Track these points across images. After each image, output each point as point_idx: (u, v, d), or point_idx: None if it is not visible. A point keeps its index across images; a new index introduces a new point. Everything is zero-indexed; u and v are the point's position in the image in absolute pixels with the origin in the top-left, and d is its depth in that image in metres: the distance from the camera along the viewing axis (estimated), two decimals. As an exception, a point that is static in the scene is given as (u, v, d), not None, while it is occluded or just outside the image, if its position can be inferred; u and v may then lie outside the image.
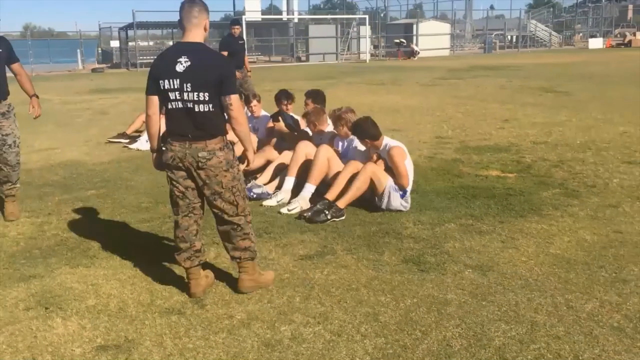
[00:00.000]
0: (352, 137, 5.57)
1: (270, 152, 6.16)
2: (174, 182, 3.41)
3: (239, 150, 3.83)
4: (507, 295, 3.41)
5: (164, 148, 3.40)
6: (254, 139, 6.31)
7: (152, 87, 3.32)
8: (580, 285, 3.52)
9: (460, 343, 2.91)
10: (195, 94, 3.23)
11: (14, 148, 5.05)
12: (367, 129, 5.16)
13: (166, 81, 3.24)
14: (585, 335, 2.95)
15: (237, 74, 9.45)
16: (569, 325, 3.05)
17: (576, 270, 3.73)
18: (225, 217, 3.45)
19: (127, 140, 8.58)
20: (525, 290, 3.47)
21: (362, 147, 5.43)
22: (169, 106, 3.30)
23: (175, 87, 3.23)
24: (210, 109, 3.26)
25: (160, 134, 3.47)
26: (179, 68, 3.22)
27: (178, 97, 3.25)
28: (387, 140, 5.20)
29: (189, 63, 3.22)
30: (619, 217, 4.75)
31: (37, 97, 5.21)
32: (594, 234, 4.38)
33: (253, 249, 3.53)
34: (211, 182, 3.34)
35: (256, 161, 6.07)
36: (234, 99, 3.26)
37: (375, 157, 5.20)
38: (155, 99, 3.32)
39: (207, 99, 3.24)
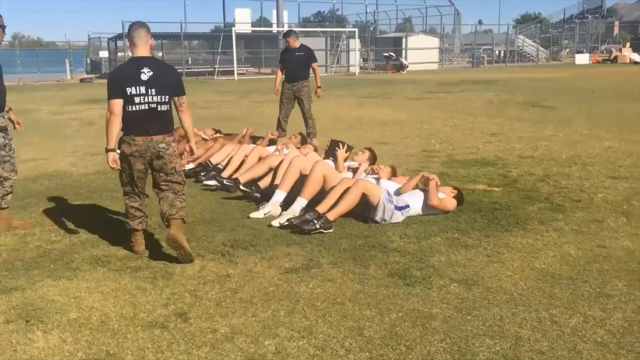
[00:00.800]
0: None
1: (273, 160, 6.10)
2: (135, 170, 4.23)
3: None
4: (492, 310, 3.41)
5: (125, 143, 4.19)
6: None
7: (116, 93, 4.08)
8: (564, 300, 3.53)
9: (445, 358, 2.90)
10: (159, 97, 4.13)
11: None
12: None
13: (133, 88, 4.06)
14: (569, 351, 2.95)
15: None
16: (552, 340, 3.05)
17: (561, 285, 3.74)
18: (176, 187, 4.35)
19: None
20: (510, 305, 3.47)
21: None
22: (133, 108, 4.09)
23: (141, 92, 4.08)
24: (168, 109, 4.21)
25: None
26: (144, 77, 4.08)
27: (143, 101, 4.09)
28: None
29: (151, 73, 4.09)
30: (604, 232, 4.78)
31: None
32: (579, 249, 4.40)
33: (185, 210, 4.40)
34: (167, 167, 4.26)
35: (258, 169, 6.07)
36: (184, 99, 4.28)
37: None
38: (120, 102, 4.08)
39: (166, 100, 4.18)
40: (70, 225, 5.14)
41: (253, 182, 5.87)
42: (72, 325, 3.28)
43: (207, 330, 3.20)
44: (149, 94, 4.09)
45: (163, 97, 4.14)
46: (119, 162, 4.20)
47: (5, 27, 4.85)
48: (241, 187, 5.77)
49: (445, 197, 5.28)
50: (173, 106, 4.29)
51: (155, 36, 37.51)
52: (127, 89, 4.06)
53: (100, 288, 3.77)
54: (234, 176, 6.16)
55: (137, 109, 4.10)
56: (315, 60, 9.32)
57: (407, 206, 5.10)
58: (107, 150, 4.17)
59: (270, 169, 5.98)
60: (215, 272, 4.03)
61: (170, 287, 3.79)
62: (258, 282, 3.84)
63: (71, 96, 19.73)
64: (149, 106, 4.11)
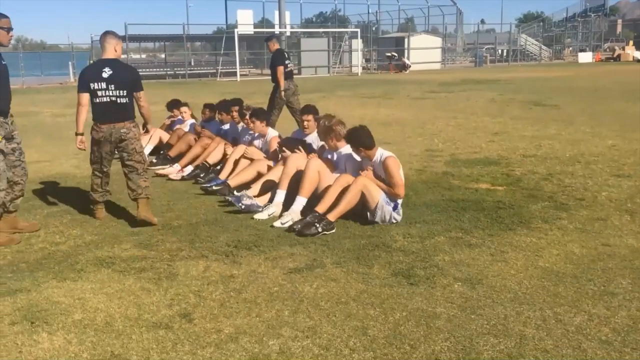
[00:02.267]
0: (340, 149, 5.59)
1: (261, 165, 6.16)
2: (103, 151, 5.19)
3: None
4: (496, 309, 3.40)
5: (94, 130, 5.17)
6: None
7: (84, 87, 5.08)
8: (568, 299, 3.52)
9: (449, 357, 2.90)
10: (117, 91, 5.07)
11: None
12: (362, 138, 5.17)
13: (95, 83, 5.04)
14: (573, 349, 2.95)
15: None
16: (557, 338, 3.05)
17: (565, 284, 3.74)
18: (138, 168, 5.22)
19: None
20: (514, 304, 3.47)
21: (356, 157, 5.43)
22: (97, 100, 5.07)
23: (103, 87, 5.04)
24: (127, 101, 5.13)
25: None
26: (105, 75, 5.05)
27: (105, 94, 5.06)
28: (381, 151, 5.21)
29: (111, 72, 5.06)
30: (608, 230, 4.77)
31: None
32: (583, 247, 4.39)
33: (149, 189, 5.26)
34: (128, 148, 5.17)
35: (247, 174, 6.08)
36: (142, 94, 5.23)
37: (369, 169, 5.17)
38: (86, 95, 5.09)
39: (125, 94, 5.10)
40: (75, 227, 5.15)
41: (243, 187, 5.87)
42: (77, 326, 3.29)
43: (212, 331, 3.21)
44: (109, 88, 5.04)
45: (121, 91, 5.07)
46: (85, 143, 5.24)
47: (12, 29, 4.86)
48: (229, 198, 5.67)
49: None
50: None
51: (158, 38, 37.78)
52: (91, 84, 5.05)
53: (105, 289, 3.78)
54: (228, 179, 6.19)
55: (100, 101, 5.07)
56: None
57: (396, 203, 5.06)
58: (76, 134, 5.23)
59: (259, 174, 5.99)
60: (219, 272, 4.04)
61: (174, 287, 3.79)
62: (262, 282, 3.85)
63: (74, 98, 19.70)
64: (109, 99, 5.06)
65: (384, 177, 5.10)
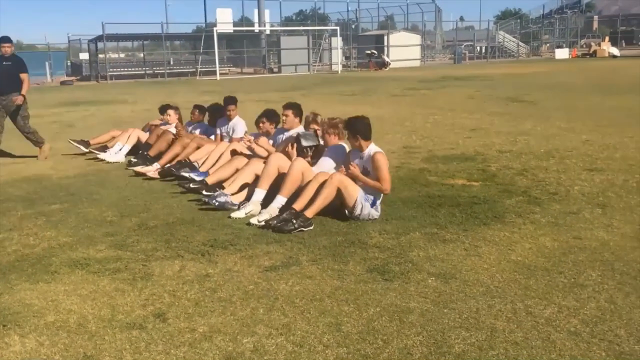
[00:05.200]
0: (331, 146, 5.65)
1: (239, 161, 6.13)
2: None
3: None
4: (469, 303, 3.45)
5: None
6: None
7: None
8: (539, 291, 3.58)
9: (421, 351, 2.94)
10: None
11: None
12: (363, 128, 5.28)
13: None
14: (542, 341, 3.00)
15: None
16: (527, 330, 3.10)
17: (536, 277, 3.80)
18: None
19: (87, 150, 8.38)
20: (486, 297, 3.51)
21: (337, 155, 5.50)
22: None
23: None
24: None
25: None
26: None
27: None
28: (372, 146, 5.30)
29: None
30: (579, 224, 4.85)
31: None
32: (555, 241, 4.46)
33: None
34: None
35: (224, 171, 6.07)
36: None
37: (354, 165, 5.20)
38: None
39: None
40: (49, 229, 5.11)
41: (219, 184, 5.88)
42: (49, 328, 3.27)
43: (186, 330, 3.21)
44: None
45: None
46: None
47: None
48: (205, 199, 5.65)
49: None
50: None
51: (136, 37, 37.41)
52: None
53: (79, 291, 3.76)
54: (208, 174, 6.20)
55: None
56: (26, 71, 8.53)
57: (375, 199, 5.10)
58: None
59: (237, 170, 5.99)
60: (195, 271, 4.03)
61: (149, 287, 3.78)
62: (237, 281, 3.85)
63: (51, 99, 19.53)
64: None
65: (370, 171, 5.15)
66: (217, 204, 5.39)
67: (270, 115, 6.88)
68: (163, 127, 8.15)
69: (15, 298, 3.67)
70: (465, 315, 3.29)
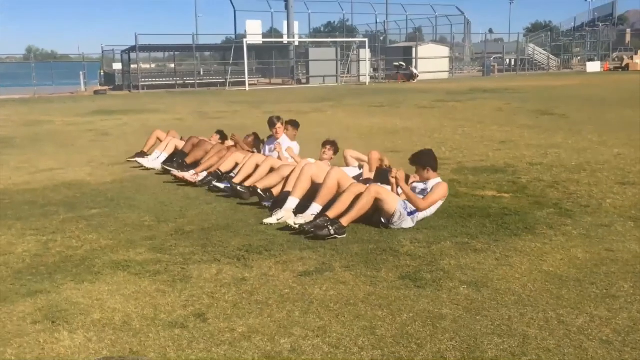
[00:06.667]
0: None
1: (286, 169, 6.25)
2: None
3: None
4: (501, 310, 3.51)
5: None
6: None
7: None
8: (571, 301, 3.62)
9: (454, 355, 3.01)
10: None
11: None
12: (433, 160, 5.63)
13: None
14: (575, 348, 3.05)
15: None
16: (559, 338, 3.15)
17: (568, 287, 3.84)
18: None
19: (146, 159, 8.48)
20: (518, 306, 3.57)
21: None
22: None
23: None
24: None
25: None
26: None
27: None
28: (438, 178, 5.62)
29: None
30: (611, 236, 4.86)
31: None
32: (587, 252, 4.49)
33: None
34: None
35: (273, 179, 6.22)
36: None
37: (397, 170, 5.52)
38: None
39: None
40: (90, 232, 5.30)
41: (267, 190, 6.03)
42: (96, 325, 3.42)
43: (225, 330, 3.33)
44: None
45: None
46: None
47: None
48: (259, 191, 5.94)
49: (430, 193, 5.35)
50: None
51: (168, 48, 38.14)
52: None
53: (122, 291, 3.92)
54: (245, 184, 6.33)
55: None
56: None
57: (416, 211, 5.21)
58: None
59: (283, 179, 6.14)
60: (232, 275, 4.16)
61: (188, 289, 3.92)
62: (273, 285, 3.97)
63: (85, 108, 20.03)
64: None
65: (423, 188, 5.44)
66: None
67: (334, 145, 7.17)
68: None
69: (62, 297, 3.84)
70: (497, 323, 3.35)
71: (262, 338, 3.23)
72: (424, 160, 5.59)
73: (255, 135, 8.43)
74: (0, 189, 7.21)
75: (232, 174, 6.91)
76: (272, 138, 7.72)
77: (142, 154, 8.65)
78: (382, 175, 5.98)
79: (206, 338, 3.24)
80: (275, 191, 6.04)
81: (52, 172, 8.35)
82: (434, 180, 5.51)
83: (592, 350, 3.02)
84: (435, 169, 5.61)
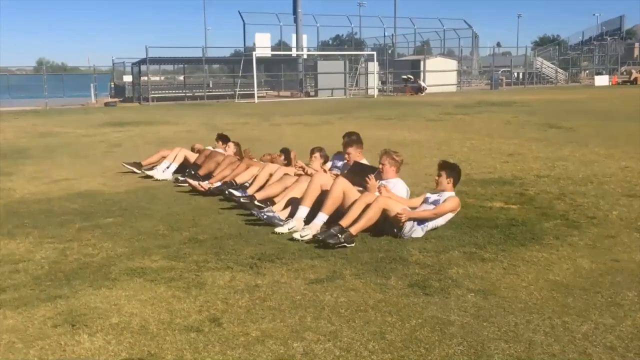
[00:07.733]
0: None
1: (288, 180, 6.40)
2: None
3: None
4: (507, 317, 3.60)
5: None
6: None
7: None
8: (577, 309, 3.71)
9: (462, 359, 3.10)
10: None
11: None
12: (458, 176, 5.84)
13: None
14: (579, 354, 3.13)
15: None
16: (564, 344, 3.24)
17: (574, 295, 3.92)
18: None
19: (140, 172, 8.76)
20: (524, 313, 3.66)
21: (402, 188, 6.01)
22: None
23: None
24: None
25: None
26: None
27: None
28: (453, 192, 5.72)
29: None
30: (617, 247, 4.94)
31: None
32: (592, 262, 4.57)
33: None
34: None
35: (274, 189, 6.36)
36: None
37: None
38: None
39: None
40: (106, 240, 5.43)
41: (268, 200, 6.16)
42: (114, 329, 3.54)
43: (240, 334, 3.44)
44: None
45: None
46: None
47: None
48: (256, 202, 6.07)
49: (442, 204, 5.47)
50: None
51: (177, 61, 38.51)
52: None
53: (138, 296, 4.04)
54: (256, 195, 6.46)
55: None
56: None
57: (425, 221, 5.32)
58: None
59: (286, 188, 6.27)
60: (245, 282, 4.28)
61: (203, 295, 4.04)
62: (285, 292, 4.08)
63: (97, 119, 20.29)
64: None
65: (436, 199, 5.57)
66: (265, 217, 5.65)
67: (321, 150, 7.34)
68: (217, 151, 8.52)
69: (80, 302, 3.96)
70: (504, 329, 3.44)
71: (275, 342, 3.33)
72: (453, 172, 5.76)
73: (285, 151, 8.01)
74: (17, 199, 7.38)
75: (246, 184, 7.04)
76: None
77: (138, 165, 8.83)
78: (359, 171, 6.11)
79: (221, 341, 3.35)
80: (280, 200, 6.15)
81: (67, 182, 8.51)
82: (449, 194, 5.62)
83: (596, 356, 3.10)
84: (455, 185, 5.77)
